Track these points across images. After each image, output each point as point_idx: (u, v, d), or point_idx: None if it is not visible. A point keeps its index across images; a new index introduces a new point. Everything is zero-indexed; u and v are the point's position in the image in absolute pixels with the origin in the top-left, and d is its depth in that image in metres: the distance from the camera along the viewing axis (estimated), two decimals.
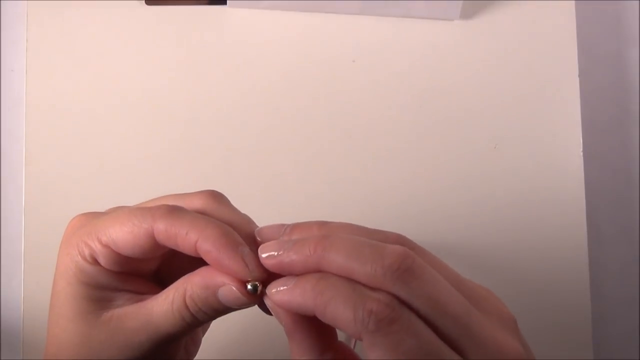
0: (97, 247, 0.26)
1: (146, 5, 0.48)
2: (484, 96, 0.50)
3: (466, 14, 0.50)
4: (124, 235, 0.25)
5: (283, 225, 0.26)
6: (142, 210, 0.25)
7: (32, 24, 0.47)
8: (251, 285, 0.24)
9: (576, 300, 0.49)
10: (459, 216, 0.49)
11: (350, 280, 0.23)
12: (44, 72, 0.47)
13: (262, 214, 0.28)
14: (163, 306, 0.26)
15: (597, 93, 0.56)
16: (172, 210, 0.25)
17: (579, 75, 0.51)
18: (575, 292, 0.49)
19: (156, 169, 0.47)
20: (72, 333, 0.26)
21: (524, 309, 0.48)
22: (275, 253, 0.24)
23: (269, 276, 0.25)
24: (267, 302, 0.25)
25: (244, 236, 0.25)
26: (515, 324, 0.25)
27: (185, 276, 0.26)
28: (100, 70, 0.48)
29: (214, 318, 0.26)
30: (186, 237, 0.24)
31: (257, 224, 0.27)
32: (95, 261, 0.26)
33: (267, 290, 0.24)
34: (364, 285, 0.23)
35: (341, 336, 0.26)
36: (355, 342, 0.33)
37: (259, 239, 0.26)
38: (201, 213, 0.26)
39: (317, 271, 0.24)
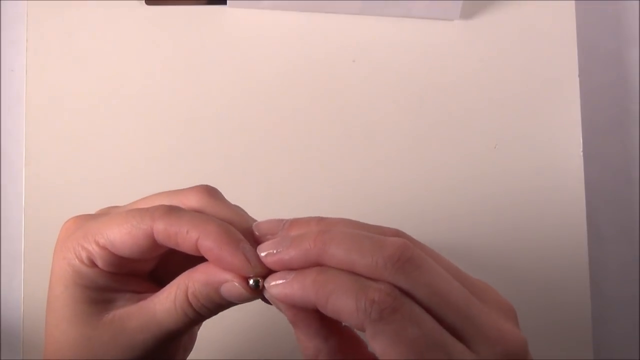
0: (94, 250, 0.25)
1: (146, 5, 0.48)
2: (484, 96, 0.50)
3: (466, 14, 0.50)
4: (122, 237, 0.25)
5: (281, 220, 0.26)
6: (140, 211, 0.25)
7: (32, 24, 0.47)
8: (253, 281, 0.25)
9: (576, 299, 0.49)
10: (459, 216, 0.49)
11: (351, 273, 0.23)
12: (44, 72, 0.47)
13: (261, 213, 0.28)
14: (165, 304, 0.26)
15: (597, 93, 0.56)
16: (171, 210, 0.25)
17: (579, 75, 0.51)
18: (575, 292, 0.49)
19: (156, 169, 0.47)
20: (74, 336, 0.26)
21: (524, 309, 0.48)
22: (275, 250, 0.24)
23: (271, 270, 0.25)
24: (267, 295, 0.25)
25: (241, 231, 0.25)
26: (515, 314, 0.25)
27: (186, 272, 0.26)
28: (100, 70, 0.48)
29: (216, 313, 0.26)
30: (187, 235, 0.24)
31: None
32: (92, 263, 0.26)
33: (266, 284, 0.25)
34: (365, 277, 0.23)
35: None
36: None
37: (257, 233, 0.26)
38: (197, 210, 0.26)
39: (316, 265, 0.24)
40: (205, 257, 0.25)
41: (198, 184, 0.28)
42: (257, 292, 0.25)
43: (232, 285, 0.25)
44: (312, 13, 0.50)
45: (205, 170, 0.47)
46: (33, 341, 0.44)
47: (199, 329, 0.31)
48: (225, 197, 0.28)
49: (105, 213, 0.28)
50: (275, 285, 0.24)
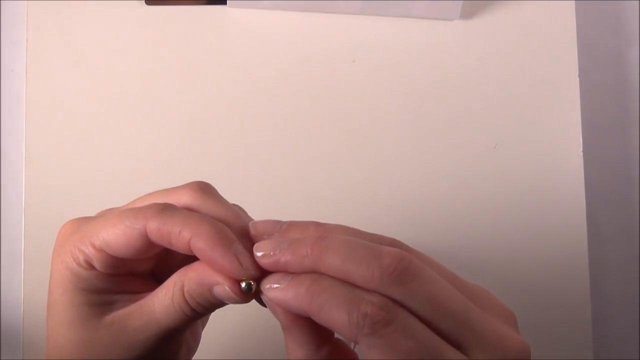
0: (91, 252, 0.25)
1: (146, 5, 0.48)
2: (484, 96, 0.50)
3: (466, 14, 0.50)
4: (117, 237, 0.25)
5: (279, 222, 0.26)
6: (133, 211, 0.25)
7: (32, 24, 0.47)
8: (245, 284, 0.24)
9: (576, 299, 0.49)
10: (459, 216, 0.49)
11: (345, 283, 0.23)
12: (44, 72, 0.47)
13: (260, 213, 0.28)
14: (164, 302, 0.26)
15: (597, 93, 0.56)
16: (164, 209, 0.25)
17: (579, 75, 0.51)
18: (575, 292, 0.49)
19: (156, 169, 0.47)
20: (75, 340, 0.26)
21: (524, 309, 0.48)
22: (271, 252, 0.24)
23: (264, 273, 0.25)
24: (263, 297, 0.25)
25: (236, 230, 0.25)
26: (515, 319, 0.25)
27: (182, 270, 0.26)
28: (100, 70, 0.48)
29: (213, 310, 0.26)
30: (179, 235, 0.24)
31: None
32: (90, 266, 0.26)
33: (261, 286, 0.24)
34: (360, 287, 0.23)
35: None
36: (355, 345, 0.33)
37: (253, 232, 0.26)
38: (191, 208, 0.26)
39: (312, 272, 0.24)
40: (198, 257, 0.25)
41: None
42: (249, 295, 0.25)
43: (222, 288, 0.24)
44: (312, 13, 0.50)
45: (205, 170, 0.47)
46: (33, 341, 0.44)
47: (203, 328, 0.31)
48: (222, 195, 0.28)
49: (102, 215, 0.27)
50: (270, 288, 0.24)
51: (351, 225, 0.26)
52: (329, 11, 0.50)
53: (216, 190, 0.27)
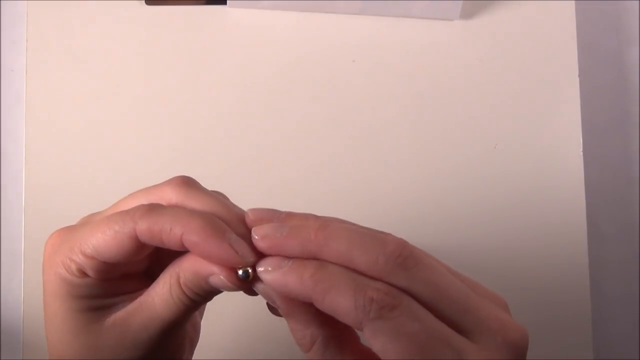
0: (82, 260, 0.25)
1: (146, 5, 0.48)
2: (484, 96, 0.50)
3: (466, 14, 0.50)
4: (107, 243, 0.25)
5: (277, 210, 0.26)
6: (121, 215, 0.25)
7: (32, 24, 0.47)
8: (242, 271, 0.24)
9: (576, 299, 0.49)
10: (459, 216, 0.49)
11: (349, 270, 0.23)
12: (44, 72, 0.47)
13: None
14: (162, 295, 0.26)
15: (597, 93, 0.56)
16: (152, 209, 0.25)
17: (579, 75, 0.51)
18: (575, 291, 0.49)
19: (156, 169, 0.47)
20: (80, 347, 0.26)
21: (524, 309, 0.48)
22: (271, 236, 0.24)
23: (258, 260, 0.24)
24: (258, 287, 0.25)
25: (225, 220, 0.25)
26: (508, 307, 0.25)
27: (176, 261, 0.26)
28: (100, 70, 0.48)
29: (212, 298, 0.26)
30: (170, 232, 0.24)
31: None
32: (83, 274, 0.25)
33: (257, 268, 0.24)
34: (363, 274, 0.23)
35: None
36: None
37: (251, 218, 0.25)
38: (177, 204, 0.26)
39: (313, 258, 0.24)
40: (192, 251, 0.25)
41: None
42: (246, 283, 0.24)
43: (218, 278, 0.24)
44: (312, 13, 0.50)
45: (205, 170, 0.47)
46: (33, 341, 0.44)
47: (201, 318, 0.31)
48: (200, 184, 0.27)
49: (87, 222, 0.27)
50: (268, 271, 0.24)
51: None
52: (329, 11, 0.50)
53: (199, 183, 0.27)
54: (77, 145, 0.47)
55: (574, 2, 0.51)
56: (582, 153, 0.50)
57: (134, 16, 0.48)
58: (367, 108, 0.49)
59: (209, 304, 0.28)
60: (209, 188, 0.28)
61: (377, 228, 0.25)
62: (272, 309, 0.26)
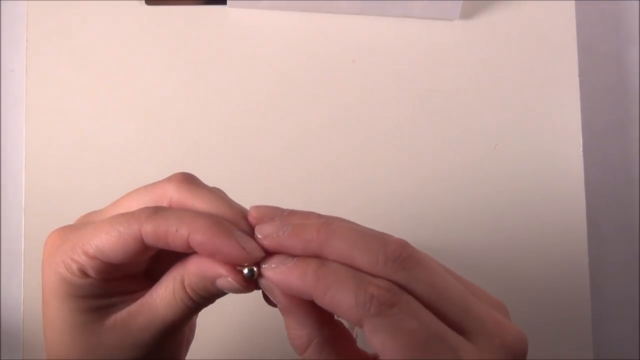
0: (84, 260, 0.25)
1: (146, 5, 0.48)
2: (484, 96, 0.50)
3: (466, 14, 0.50)
4: (112, 244, 0.24)
5: (280, 208, 0.26)
6: (125, 216, 0.25)
7: (32, 24, 0.47)
8: (248, 271, 0.24)
9: (576, 299, 0.49)
10: (459, 216, 0.49)
11: (350, 268, 0.23)
12: (44, 72, 0.47)
13: None
14: (165, 297, 0.26)
15: (597, 93, 0.56)
16: (157, 211, 0.25)
17: (579, 75, 0.51)
18: (575, 292, 0.49)
19: (156, 168, 0.47)
20: (80, 347, 0.26)
21: (524, 309, 0.48)
22: (274, 234, 0.24)
23: (266, 257, 0.24)
24: (262, 281, 0.25)
25: (229, 217, 0.25)
26: (507, 312, 0.26)
27: (180, 264, 0.26)
28: (100, 70, 0.48)
29: (215, 300, 0.26)
30: (177, 234, 0.24)
31: None
32: (85, 274, 0.25)
33: (262, 265, 0.24)
34: (364, 272, 0.23)
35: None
36: (356, 334, 0.33)
37: (254, 215, 0.25)
38: (178, 201, 0.26)
39: (315, 256, 0.24)
40: (199, 252, 0.24)
41: None
42: (252, 282, 0.24)
43: (225, 280, 0.24)
44: (312, 13, 0.50)
45: (205, 169, 0.47)
46: (33, 341, 0.44)
47: (196, 317, 0.31)
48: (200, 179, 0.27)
49: (86, 221, 0.27)
50: (272, 268, 0.24)
51: None
52: (329, 11, 0.50)
53: (199, 179, 0.27)
54: (77, 145, 0.47)
55: (574, 2, 0.51)
56: (582, 153, 0.50)
57: (134, 16, 0.48)
58: (367, 108, 0.49)
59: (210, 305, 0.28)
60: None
61: (376, 228, 0.25)
62: (269, 300, 0.26)
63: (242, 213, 0.26)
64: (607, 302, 0.54)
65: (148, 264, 0.28)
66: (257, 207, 0.26)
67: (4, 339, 0.47)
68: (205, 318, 0.32)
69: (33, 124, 0.47)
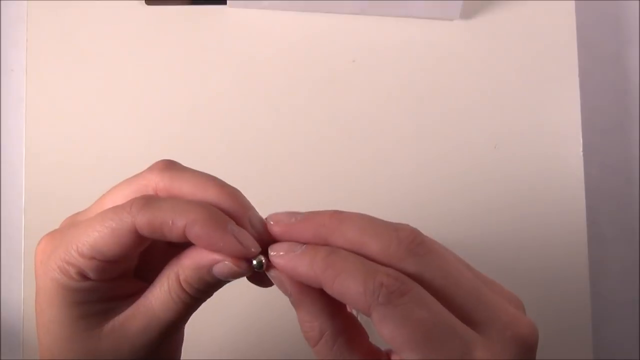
0: (81, 262, 0.24)
1: (146, 5, 0.48)
2: (484, 96, 0.50)
3: (466, 14, 0.50)
4: (106, 240, 0.24)
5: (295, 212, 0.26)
6: (115, 210, 0.24)
7: (32, 24, 0.47)
8: (256, 262, 0.24)
9: (576, 300, 0.49)
10: (459, 216, 0.49)
11: (360, 256, 0.23)
12: (44, 72, 0.47)
13: (260, 212, 0.28)
14: (161, 297, 0.25)
15: (597, 93, 0.56)
16: (148, 202, 0.24)
17: (579, 75, 0.51)
18: (575, 293, 0.49)
19: None
20: (76, 352, 0.26)
21: (524, 309, 0.48)
22: (286, 221, 0.24)
23: (264, 249, 0.24)
24: (271, 273, 0.24)
25: (215, 200, 0.25)
26: (523, 306, 0.26)
27: (173, 261, 0.26)
28: (100, 70, 0.48)
29: (211, 294, 0.26)
30: (172, 226, 0.24)
31: None
32: (83, 277, 0.25)
33: (270, 252, 0.24)
34: (374, 261, 0.23)
35: None
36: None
37: (271, 222, 0.25)
38: (164, 189, 0.25)
39: (324, 244, 0.24)
40: (194, 243, 0.24)
41: None
42: (251, 267, 0.24)
43: (223, 265, 0.24)
44: (312, 13, 0.50)
45: (204, 169, 0.47)
46: (33, 341, 0.44)
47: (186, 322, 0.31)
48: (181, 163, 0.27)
49: (73, 222, 0.27)
50: (280, 256, 0.24)
51: None
52: (329, 11, 0.50)
53: (180, 164, 0.27)
54: (77, 145, 0.47)
55: (574, 2, 0.51)
56: (582, 153, 0.50)
57: (134, 16, 0.48)
58: (367, 108, 0.49)
59: (208, 304, 0.28)
60: None
61: None
62: (258, 281, 0.25)
63: (231, 194, 0.25)
64: (607, 303, 0.54)
65: (138, 261, 0.27)
66: (275, 216, 0.25)
67: (4, 339, 0.47)
68: (206, 318, 0.32)
69: (33, 124, 0.47)
